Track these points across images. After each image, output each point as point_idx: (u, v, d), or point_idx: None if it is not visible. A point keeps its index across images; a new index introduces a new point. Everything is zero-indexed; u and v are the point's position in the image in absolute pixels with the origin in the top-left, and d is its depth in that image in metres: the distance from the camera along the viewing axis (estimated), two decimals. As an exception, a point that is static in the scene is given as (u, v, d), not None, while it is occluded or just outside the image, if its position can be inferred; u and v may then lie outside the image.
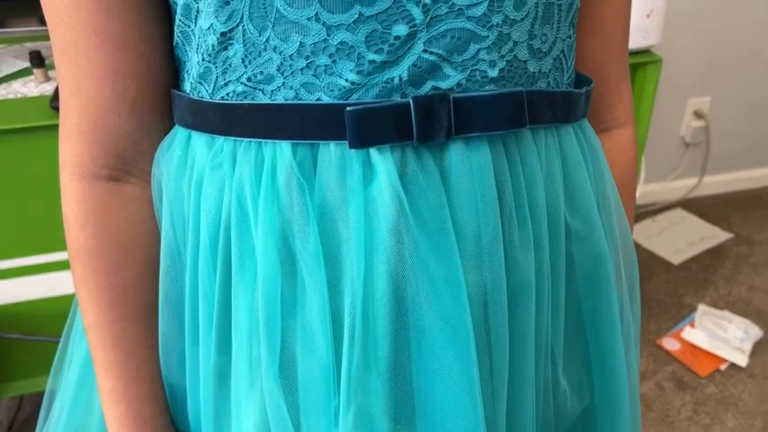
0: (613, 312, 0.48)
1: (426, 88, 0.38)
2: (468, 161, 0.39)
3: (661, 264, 1.82)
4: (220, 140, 0.42)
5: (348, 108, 0.37)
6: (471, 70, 0.39)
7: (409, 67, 0.38)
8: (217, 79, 0.41)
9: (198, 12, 0.40)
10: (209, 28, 0.39)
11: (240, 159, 0.40)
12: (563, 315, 0.46)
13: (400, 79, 0.38)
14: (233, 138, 0.41)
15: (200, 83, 0.42)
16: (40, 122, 0.99)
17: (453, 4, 0.37)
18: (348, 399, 0.39)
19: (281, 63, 0.38)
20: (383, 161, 0.38)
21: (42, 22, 1.18)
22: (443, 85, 0.38)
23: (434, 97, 0.38)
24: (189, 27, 0.41)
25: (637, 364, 0.56)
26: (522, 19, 0.39)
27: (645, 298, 1.69)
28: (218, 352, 0.43)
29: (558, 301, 0.46)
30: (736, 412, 1.38)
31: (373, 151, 0.38)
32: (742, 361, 1.48)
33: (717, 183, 2.08)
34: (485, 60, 0.39)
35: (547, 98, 0.42)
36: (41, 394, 1.43)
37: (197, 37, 0.41)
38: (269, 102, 0.39)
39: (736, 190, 2.12)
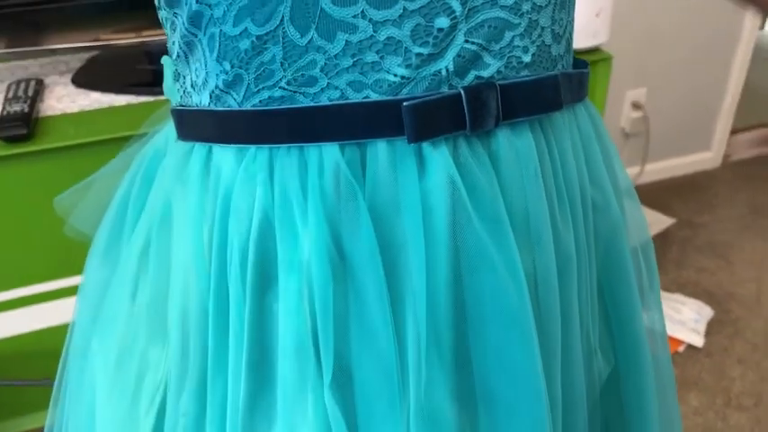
0: (629, 275, 0.50)
1: (470, 78, 0.39)
2: (515, 147, 0.41)
3: (613, 252, 1.88)
4: (252, 150, 0.40)
5: (405, 103, 0.37)
6: (508, 57, 0.40)
7: (454, 58, 0.38)
8: (249, 86, 0.39)
9: (212, 19, 0.38)
10: (241, 33, 0.38)
11: (279, 167, 0.39)
12: (595, 284, 0.49)
13: (447, 71, 0.39)
14: (268, 145, 0.40)
15: (225, 92, 0.41)
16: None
17: None
18: (417, 398, 0.39)
19: (326, 63, 0.38)
20: (438, 154, 0.38)
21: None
22: (485, 73, 0.40)
23: (483, 86, 0.39)
24: (196, 36, 0.40)
25: (661, 322, 0.59)
26: (547, 5, 0.41)
27: (601, 287, 1.74)
28: (249, 377, 0.41)
29: (592, 271, 0.48)
30: (697, 391, 1.43)
31: (425, 145, 0.38)
32: (699, 342, 1.54)
33: (657, 170, 2.16)
34: (519, 47, 0.40)
35: (567, 79, 0.44)
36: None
37: (217, 44, 0.39)
38: (312, 104, 0.38)
39: (675, 176, 2.21)
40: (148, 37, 1.16)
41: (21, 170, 0.96)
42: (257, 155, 0.40)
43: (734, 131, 2.31)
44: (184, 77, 0.44)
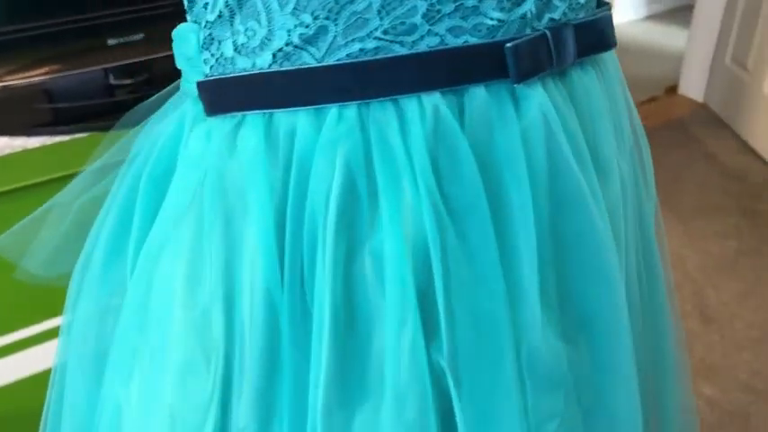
0: (648, 203, 0.54)
1: (545, 20, 0.41)
2: (584, 84, 0.43)
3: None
4: (334, 109, 0.38)
5: (508, 44, 0.38)
6: (570, 1, 0.42)
7: (534, 1, 0.40)
8: (335, 39, 0.37)
9: None
10: None
11: (373, 119, 0.38)
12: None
13: (531, 13, 0.40)
14: (357, 102, 0.38)
15: (301, 48, 0.38)
16: None
17: None
18: (533, 333, 0.40)
19: (428, 9, 0.37)
20: (534, 92, 0.39)
21: None
22: (555, 15, 0.41)
23: (562, 26, 0.41)
24: None
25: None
26: None
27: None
28: (335, 349, 0.39)
29: (638, 198, 0.51)
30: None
31: (519, 86, 0.39)
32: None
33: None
34: None
35: (604, 22, 0.46)
36: None
37: None
38: (411, 52, 0.37)
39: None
40: (46, 75, 1.11)
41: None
42: (342, 113, 0.38)
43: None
44: (221, 42, 0.40)
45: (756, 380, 1.47)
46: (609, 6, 0.50)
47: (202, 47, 0.41)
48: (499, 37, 0.39)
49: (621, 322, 0.44)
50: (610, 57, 0.49)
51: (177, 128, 0.45)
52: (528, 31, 0.40)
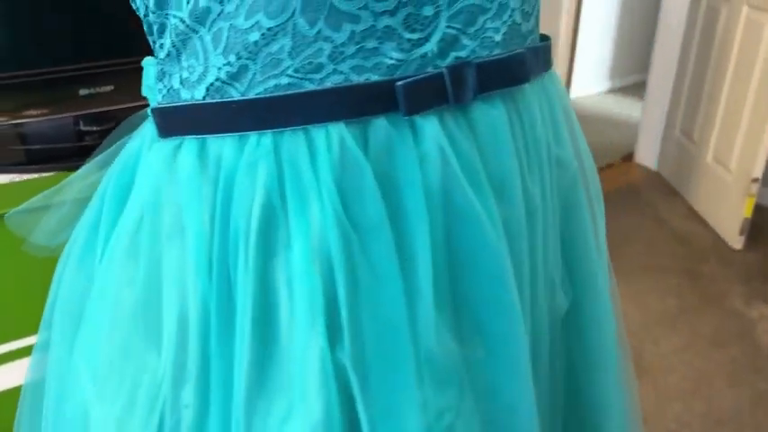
0: (585, 221, 0.57)
1: (450, 58, 0.45)
2: (490, 116, 0.46)
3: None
4: (254, 137, 0.43)
5: (398, 83, 0.42)
6: (482, 38, 0.46)
7: (437, 42, 0.44)
8: (254, 76, 0.42)
9: (222, 14, 0.41)
10: (253, 26, 0.41)
11: (286, 148, 0.42)
12: (558, 230, 0.55)
13: (432, 53, 0.44)
14: (272, 130, 0.42)
15: (227, 84, 0.43)
16: None
17: None
18: (428, 335, 0.44)
19: (333, 51, 0.42)
20: (429, 124, 0.44)
21: None
22: (462, 54, 0.45)
23: (462, 65, 0.44)
24: (196, 33, 0.43)
25: (608, 265, 0.65)
26: None
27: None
28: (253, 354, 0.43)
29: (555, 220, 0.54)
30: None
31: (417, 118, 0.44)
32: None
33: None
34: (490, 28, 0.46)
35: (534, 53, 0.51)
36: None
37: (225, 38, 0.42)
38: (319, 88, 0.42)
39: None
40: (22, 119, 1.20)
41: None
42: (260, 140, 0.43)
43: (557, 182, 2.66)
44: (171, 76, 0.46)
45: (685, 430, 1.55)
46: (548, 38, 0.55)
47: (157, 79, 0.48)
48: (398, 75, 0.43)
49: (515, 328, 0.47)
50: (548, 83, 0.54)
51: (139, 145, 0.51)
52: (429, 68, 0.44)
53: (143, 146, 0.50)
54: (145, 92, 0.51)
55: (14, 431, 0.61)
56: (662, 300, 2.05)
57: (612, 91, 4.21)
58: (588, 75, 4.13)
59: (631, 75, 4.21)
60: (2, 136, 1.24)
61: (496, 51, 0.47)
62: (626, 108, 3.83)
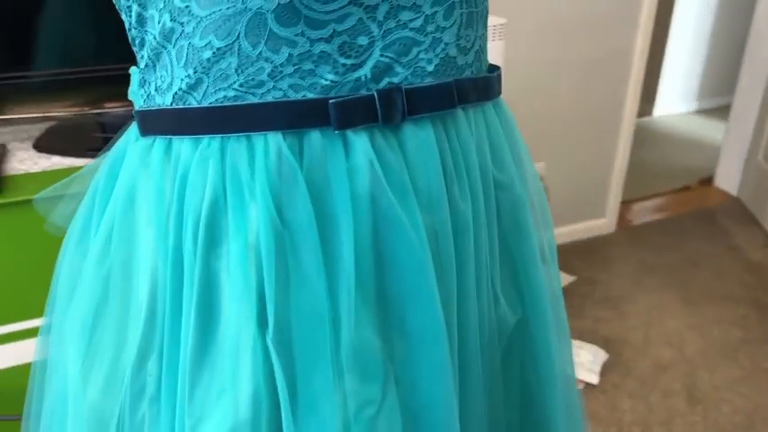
0: (532, 240, 0.61)
1: (384, 83, 0.50)
2: (418, 136, 0.51)
3: (521, 306, 2.07)
4: (206, 139, 0.49)
5: (331, 101, 0.47)
6: (414, 67, 0.50)
7: (371, 68, 0.49)
8: (208, 88, 0.49)
9: (183, 33, 0.48)
10: (206, 45, 0.47)
11: (230, 151, 0.48)
12: (497, 244, 0.59)
13: (365, 77, 0.49)
14: (221, 135, 0.48)
15: (187, 93, 0.49)
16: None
17: (399, 19, 0.49)
18: (348, 336, 0.48)
19: (272, 70, 0.47)
20: (359, 140, 0.48)
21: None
22: (395, 80, 0.50)
23: (391, 90, 0.49)
24: (165, 48, 0.50)
25: (558, 282, 0.69)
26: (451, 26, 0.52)
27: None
28: (197, 332, 0.49)
29: (492, 236, 0.58)
30: (595, 423, 1.61)
31: (350, 133, 0.48)
32: (594, 380, 1.73)
33: (559, 233, 2.41)
34: (423, 59, 0.51)
35: (471, 83, 0.55)
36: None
37: (185, 53, 0.48)
38: (260, 101, 0.48)
39: (577, 240, 2.46)
40: (102, 109, 1.31)
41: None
42: (211, 143, 0.49)
43: (625, 201, 2.62)
44: (149, 83, 0.53)
45: (734, 464, 1.49)
46: (494, 70, 0.60)
47: (140, 85, 0.54)
48: (332, 94, 0.48)
49: (435, 324, 0.51)
50: (489, 112, 0.58)
51: (125, 143, 0.58)
52: (363, 91, 0.49)
53: (129, 143, 0.57)
54: (130, 96, 0.57)
55: (25, 405, 0.68)
56: (725, 329, 1.98)
57: (698, 112, 4.06)
58: (674, 94, 4.00)
59: (718, 96, 4.05)
60: (85, 125, 1.36)
61: (428, 80, 0.51)
62: (710, 130, 3.69)
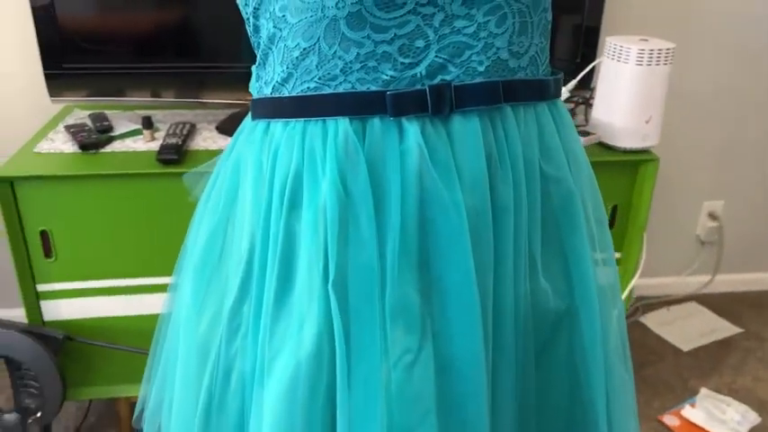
0: (582, 232, 0.65)
1: (437, 80, 0.57)
2: (465, 127, 0.58)
3: (670, 349, 1.94)
4: (293, 122, 0.60)
5: (388, 93, 0.56)
6: (466, 67, 0.58)
7: (426, 67, 0.57)
8: (296, 81, 0.59)
9: (281, 37, 0.59)
10: (295, 46, 0.58)
11: (310, 132, 0.58)
12: (540, 231, 0.64)
13: (421, 74, 0.57)
14: (303, 119, 0.59)
15: (282, 84, 0.61)
16: (145, 170, 1.25)
17: (454, 26, 0.56)
18: (393, 291, 0.57)
19: (344, 66, 0.57)
20: (411, 126, 0.57)
21: (153, 94, 1.47)
22: (448, 77, 0.58)
23: (441, 86, 0.57)
24: (271, 50, 0.61)
25: (616, 278, 0.74)
26: (503, 33, 0.59)
27: (652, 378, 1.81)
28: (278, 280, 0.59)
29: (535, 221, 0.63)
30: (727, 487, 1.48)
31: (404, 121, 0.57)
32: (737, 441, 1.58)
33: (729, 281, 2.21)
34: (475, 60, 0.58)
35: (523, 84, 0.61)
36: (107, 403, 1.71)
37: (282, 53, 0.59)
38: (333, 92, 0.58)
39: (747, 290, 2.24)
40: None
41: (171, 186, 1.25)
42: (296, 125, 0.59)
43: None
44: (261, 78, 0.64)
45: None
46: (555, 74, 0.65)
47: (255, 80, 0.67)
48: (391, 87, 0.57)
49: (469, 285, 0.58)
50: (542, 112, 0.63)
51: (241, 127, 0.71)
52: (418, 86, 0.57)
53: (244, 127, 0.70)
54: (250, 89, 0.69)
55: (151, 351, 0.84)
56: None
57: None
58: None
59: None
60: (239, 114, 1.52)
61: (478, 79, 0.58)
62: None
